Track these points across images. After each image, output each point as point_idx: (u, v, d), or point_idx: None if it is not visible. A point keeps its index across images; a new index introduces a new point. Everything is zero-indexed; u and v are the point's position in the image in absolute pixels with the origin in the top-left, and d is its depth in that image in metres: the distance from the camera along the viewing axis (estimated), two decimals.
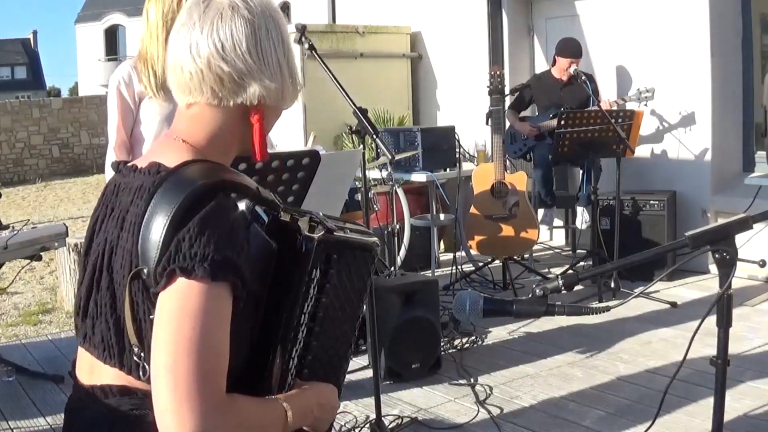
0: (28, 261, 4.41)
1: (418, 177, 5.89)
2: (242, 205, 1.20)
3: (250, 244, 1.19)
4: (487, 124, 5.62)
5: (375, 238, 1.39)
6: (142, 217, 1.18)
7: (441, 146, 5.85)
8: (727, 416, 1.71)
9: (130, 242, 1.19)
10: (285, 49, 1.30)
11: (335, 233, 1.29)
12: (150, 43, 2.85)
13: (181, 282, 1.12)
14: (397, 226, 5.35)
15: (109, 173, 2.14)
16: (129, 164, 1.31)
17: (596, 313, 1.56)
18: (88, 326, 1.27)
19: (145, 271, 1.15)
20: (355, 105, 2.96)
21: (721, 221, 1.67)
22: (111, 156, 2.93)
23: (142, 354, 1.19)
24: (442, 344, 4.11)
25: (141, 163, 1.30)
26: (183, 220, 1.14)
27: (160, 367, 1.09)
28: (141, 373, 1.20)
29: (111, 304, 1.23)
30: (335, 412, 1.37)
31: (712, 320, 1.59)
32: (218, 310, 1.12)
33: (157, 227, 1.15)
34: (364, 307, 1.41)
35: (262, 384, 1.25)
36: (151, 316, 1.16)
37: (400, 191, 5.93)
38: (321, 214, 1.31)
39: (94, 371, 1.28)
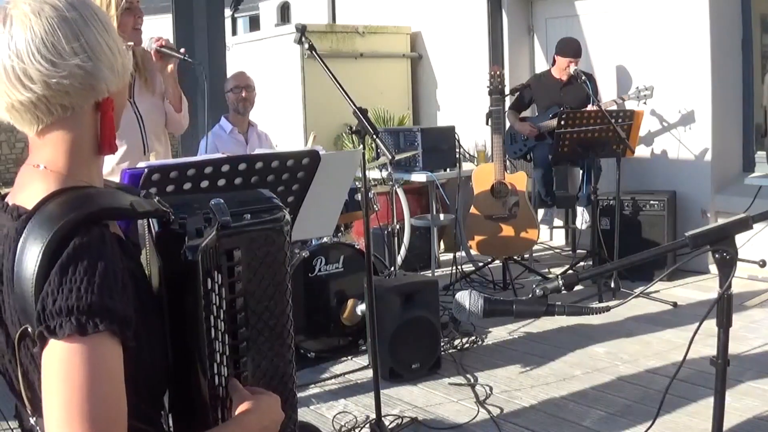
0: None
1: (418, 177, 5.89)
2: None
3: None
4: (487, 124, 5.63)
5: (281, 213, 1.29)
6: (11, 271, 1.07)
7: (441, 146, 5.85)
8: (727, 416, 1.71)
9: (11, 298, 1.09)
10: (105, 26, 1.17)
11: (231, 225, 1.21)
12: None
13: (52, 344, 1.02)
14: (397, 226, 5.34)
15: None
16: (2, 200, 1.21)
17: (596, 313, 1.56)
18: (6, 381, 1.20)
19: (30, 329, 1.06)
20: (355, 105, 2.96)
21: (721, 221, 1.67)
22: None
23: (32, 419, 1.13)
24: (442, 344, 4.10)
25: (10, 197, 1.19)
26: (48, 270, 1.04)
27: None
28: None
29: (13, 360, 1.14)
30: (278, 425, 1.28)
31: (712, 320, 1.59)
32: (99, 364, 1.02)
33: (26, 283, 1.05)
34: (290, 291, 1.31)
35: (194, 403, 1.20)
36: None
37: (400, 191, 5.93)
38: (219, 204, 1.21)
39: (23, 421, 1.21)
